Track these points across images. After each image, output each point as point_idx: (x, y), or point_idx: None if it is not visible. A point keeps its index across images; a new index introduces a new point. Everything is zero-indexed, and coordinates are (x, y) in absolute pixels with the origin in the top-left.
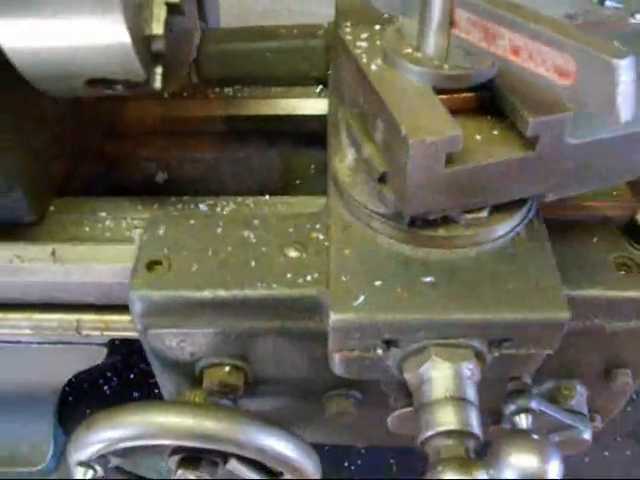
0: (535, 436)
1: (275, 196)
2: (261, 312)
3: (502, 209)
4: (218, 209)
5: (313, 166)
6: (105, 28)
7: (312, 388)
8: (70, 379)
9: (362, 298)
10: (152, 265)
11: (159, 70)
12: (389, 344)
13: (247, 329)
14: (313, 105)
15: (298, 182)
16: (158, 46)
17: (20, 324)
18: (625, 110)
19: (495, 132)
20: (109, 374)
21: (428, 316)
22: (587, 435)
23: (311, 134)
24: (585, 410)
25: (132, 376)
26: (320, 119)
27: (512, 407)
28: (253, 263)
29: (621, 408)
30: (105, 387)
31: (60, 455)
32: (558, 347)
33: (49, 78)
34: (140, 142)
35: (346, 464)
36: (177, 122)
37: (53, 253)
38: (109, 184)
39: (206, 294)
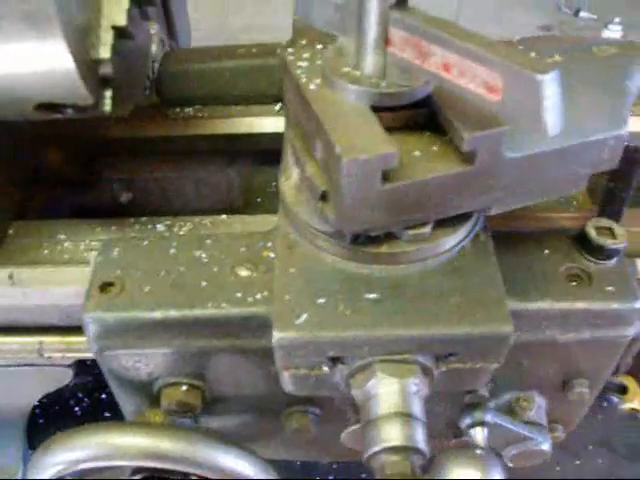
0: (478, 451)
1: (233, 215)
2: (213, 331)
3: (446, 223)
4: (175, 229)
5: (273, 183)
6: (47, 54)
7: (270, 405)
8: (41, 400)
9: (305, 316)
10: (105, 287)
11: (108, 94)
12: (335, 361)
13: (201, 348)
14: (272, 123)
15: (259, 200)
16: (106, 70)
17: None
18: (552, 123)
19: (434, 148)
20: (80, 395)
21: (371, 333)
22: (546, 446)
23: (270, 152)
24: (544, 421)
25: (104, 396)
26: (279, 137)
27: (468, 420)
28: (204, 283)
29: (581, 418)
30: (76, 408)
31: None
32: (510, 358)
33: None
34: (102, 163)
35: (317, 479)
36: (138, 142)
37: (11, 276)
38: (73, 205)
39: (157, 315)
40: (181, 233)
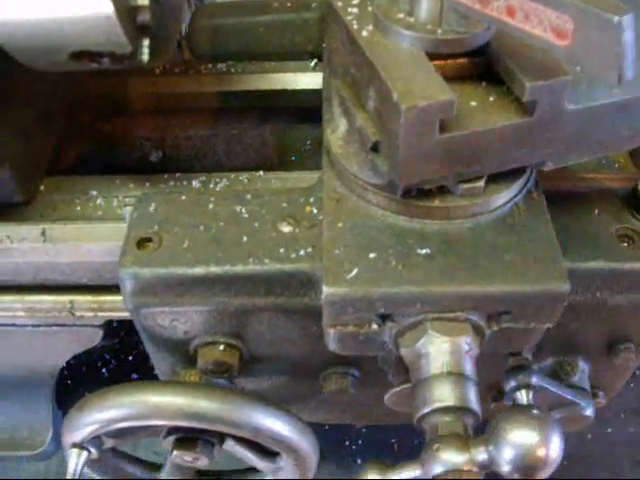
0: (535, 411)
1: (269, 172)
2: (254, 288)
3: (499, 179)
4: (211, 185)
5: (308, 142)
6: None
7: (309, 366)
8: (68, 362)
9: (356, 271)
10: (142, 242)
11: (146, 42)
12: (384, 318)
13: (240, 306)
14: (308, 79)
15: (293, 158)
16: (144, 17)
17: (13, 306)
18: (627, 69)
19: (491, 98)
20: (107, 356)
21: (424, 289)
22: (589, 412)
23: (306, 109)
24: (587, 386)
25: (130, 358)
26: (315, 93)
27: (512, 383)
28: (245, 238)
29: (624, 384)
30: (103, 369)
31: (59, 438)
32: (558, 321)
33: (32, 51)
34: (133, 121)
35: (347, 443)
36: (170, 99)
37: (43, 233)
38: (103, 163)
39: (198, 270)
40: (217, 189)
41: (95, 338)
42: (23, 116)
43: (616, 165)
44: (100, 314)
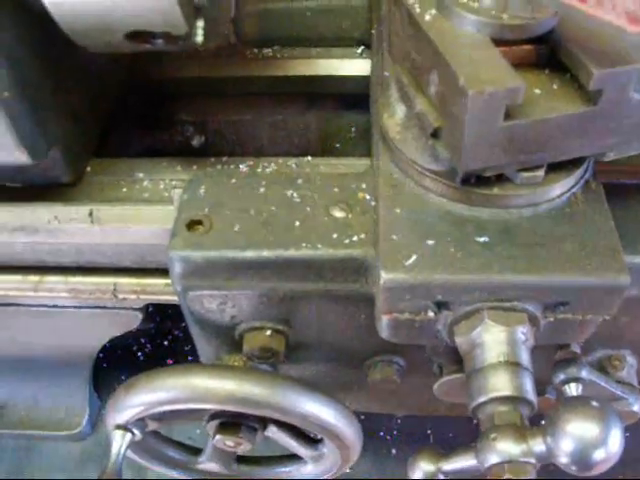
0: (596, 403)
1: (317, 157)
2: (305, 274)
3: (558, 168)
4: (259, 170)
5: (353, 129)
6: None
7: (355, 354)
8: (104, 345)
9: (414, 257)
10: (193, 225)
11: (201, 24)
12: (440, 306)
13: (290, 291)
14: (354, 66)
15: (337, 145)
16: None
17: (57, 287)
18: None
19: (555, 86)
20: (143, 341)
21: (483, 277)
22: (637, 407)
23: (352, 96)
24: (635, 382)
25: (165, 343)
26: (361, 80)
27: (561, 376)
28: (297, 223)
29: None
30: (139, 353)
31: (95, 420)
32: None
33: (89, 31)
34: (177, 104)
35: (382, 434)
36: (214, 84)
37: (90, 214)
38: (145, 146)
39: (249, 254)
40: (266, 173)
41: (134, 321)
42: (73, 98)
43: None
44: (142, 297)
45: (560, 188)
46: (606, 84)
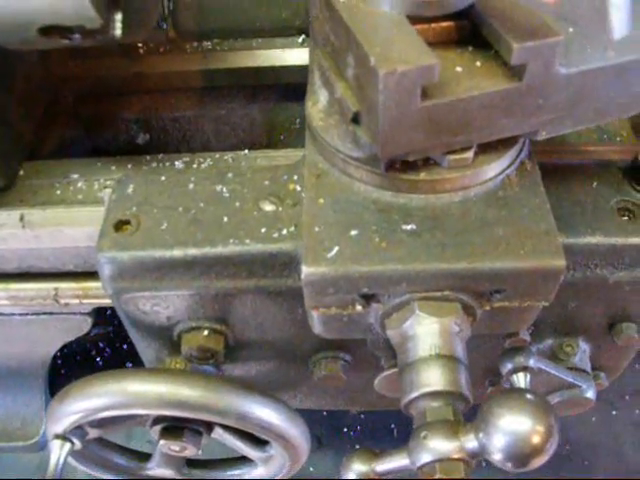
0: (529, 395)
1: (255, 150)
2: (236, 270)
3: (489, 149)
4: (195, 166)
5: (298, 120)
6: None
7: (298, 350)
8: (61, 350)
9: (336, 249)
10: (120, 225)
11: (118, 17)
12: (368, 299)
13: (222, 289)
14: (296, 56)
15: (282, 137)
16: None
17: None
18: (619, 25)
19: (478, 63)
20: (101, 345)
21: (409, 267)
22: (590, 394)
23: (295, 86)
24: (589, 368)
25: (125, 346)
26: (304, 70)
27: (509, 365)
28: (226, 219)
29: (627, 365)
30: (97, 358)
31: None
32: (556, 300)
33: None
34: (118, 102)
35: (345, 430)
36: (155, 80)
37: (22, 218)
38: (88, 147)
39: (177, 253)
40: (200, 169)
41: (84, 326)
42: (3, 102)
43: (618, 139)
44: (85, 301)
45: (492, 170)
46: (529, 58)
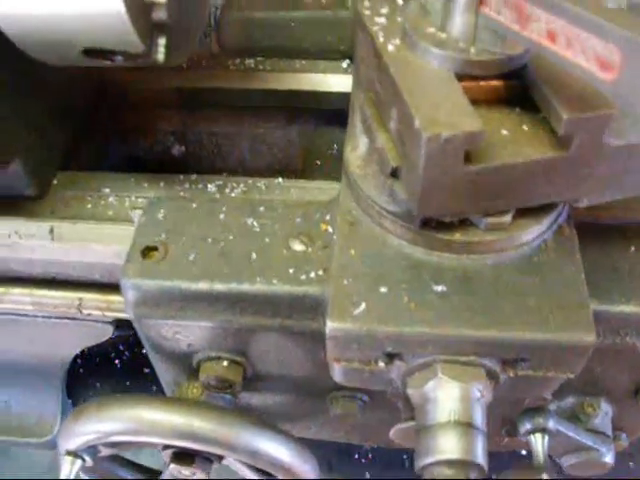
0: (545, 476)
1: (289, 179)
2: (260, 308)
3: (528, 213)
4: (227, 190)
5: (335, 146)
6: None
7: (316, 387)
8: (82, 351)
9: (364, 306)
10: (148, 251)
11: (162, 41)
12: (392, 357)
13: (245, 325)
14: (338, 81)
15: (319, 162)
16: (160, 15)
17: (22, 299)
18: None
19: (524, 127)
20: (121, 348)
21: (436, 331)
22: (609, 458)
23: (335, 112)
24: (609, 430)
25: (144, 351)
26: (345, 96)
27: (528, 425)
28: (254, 255)
29: None
30: (116, 360)
31: None
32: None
33: (41, 47)
34: (155, 114)
35: (356, 457)
36: (194, 94)
37: (51, 231)
38: (124, 154)
39: (202, 286)
40: (233, 195)
41: (106, 333)
42: (38, 110)
43: None
44: (108, 313)
45: (528, 235)
46: (577, 130)
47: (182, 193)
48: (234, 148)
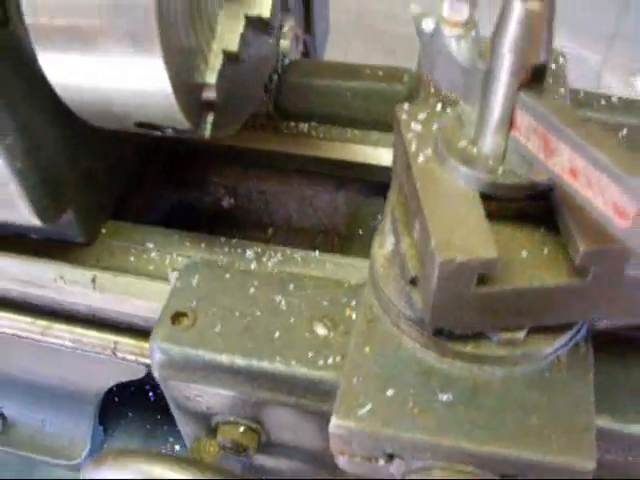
0: None
1: (326, 253)
2: (277, 386)
3: (544, 329)
4: (264, 258)
5: (379, 216)
6: (145, 73)
7: (328, 458)
8: None
9: (369, 407)
10: (178, 317)
11: (210, 118)
12: (392, 457)
13: (262, 399)
14: (388, 155)
15: (361, 232)
16: (209, 95)
17: (62, 335)
18: None
19: (545, 250)
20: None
21: (436, 440)
22: None
23: (383, 184)
24: None
25: None
26: None
27: None
28: (277, 334)
29: None
30: (150, 393)
31: (97, 453)
32: None
33: (96, 117)
34: (208, 167)
35: None
36: (246, 154)
37: (94, 280)
38: (176, 200)
39: (224, 358)
40: (270, 264)
41: (139, 373)
42: (93, 162)
43: None
44: (141, 359)
45: (542, 351)
46: (594, 261)
47: (221, 256)
48: (282, 207)
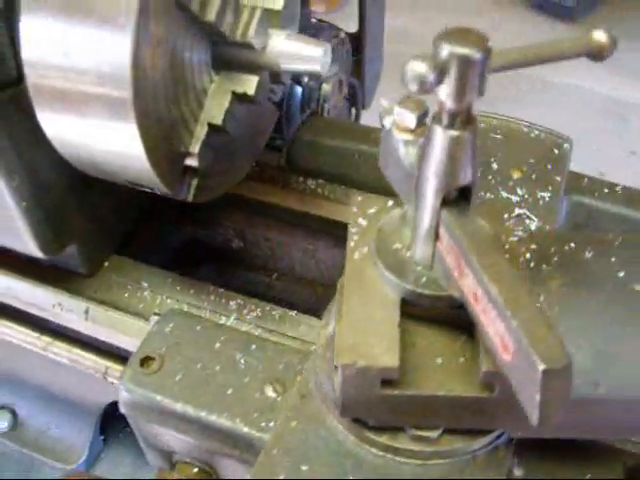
0: None
1: (303, 314)
2: (223, 439)
3: (461, 431)
4: (245, 311)
5: None
6: (122, 138)
7: None
8: None
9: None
10: (146, 360)
11: (194, 183)
12: None
13: (210, 448)
14: None
15: None
16: (192, 162)
17: (62, 353)
18: (543, 415)
19: (462, 359)
20: None
21: None
22: None
23: None
24: None
25: None
26: None
27: None
28: (230, 391)
29: None
30: None
31: (93, 461)
32: None
33: (92, 171)
34: (219, 210)
35: None
36: (253, 203)
37: (87, 311)
38: (186, 235)
39: (178, 407)
40: (248, 317)
41: None
42: (101, 204)
43: None
44: None
45: (457, 452)
46: (496, 381)
47: (206, 303)
48: (286, 255)
